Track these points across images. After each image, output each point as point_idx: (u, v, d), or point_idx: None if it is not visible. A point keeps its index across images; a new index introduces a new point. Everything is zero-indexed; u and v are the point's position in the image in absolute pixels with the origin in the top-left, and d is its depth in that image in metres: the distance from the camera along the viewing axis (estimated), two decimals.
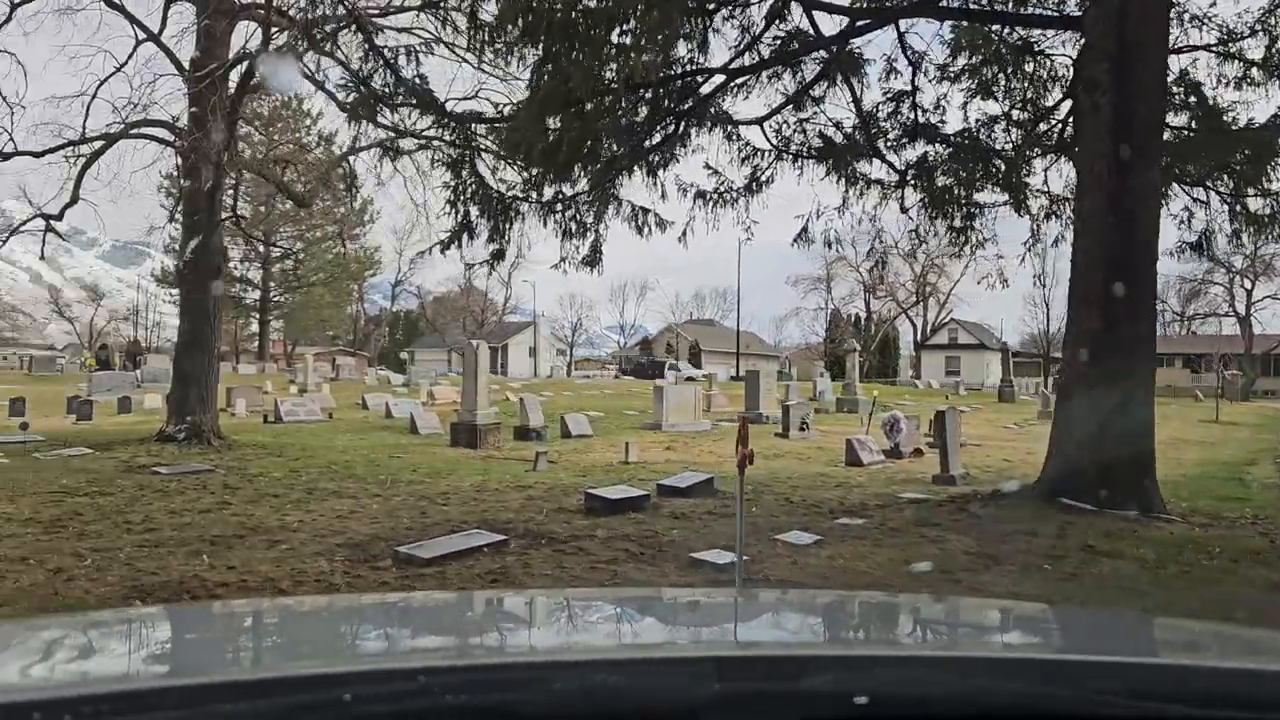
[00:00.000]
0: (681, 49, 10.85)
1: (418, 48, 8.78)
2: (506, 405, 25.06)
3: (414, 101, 8.81)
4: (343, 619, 1.88)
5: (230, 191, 20.57)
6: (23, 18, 16.26)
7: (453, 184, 9.59)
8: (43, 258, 18.44)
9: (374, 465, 14.69)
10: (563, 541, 8.85)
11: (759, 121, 12.73)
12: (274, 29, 15.07)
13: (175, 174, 56.39)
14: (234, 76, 15.97)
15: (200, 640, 1.66)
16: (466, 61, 13.36)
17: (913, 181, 13.33)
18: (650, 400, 34.67)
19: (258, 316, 61.97)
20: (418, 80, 8.75)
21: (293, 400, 23.47)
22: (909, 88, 12.69)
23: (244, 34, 17.14)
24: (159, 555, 8.16)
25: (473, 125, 9.37)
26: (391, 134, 17.36)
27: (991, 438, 22.77)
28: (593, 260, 11.52)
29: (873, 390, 34.34)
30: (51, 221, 17.49)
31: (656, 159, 10.64)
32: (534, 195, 11.02)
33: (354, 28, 10.02)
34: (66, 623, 1.95)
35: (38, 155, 16.06)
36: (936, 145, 13.30)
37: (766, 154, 12.93)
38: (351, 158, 18.85)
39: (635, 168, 10.88)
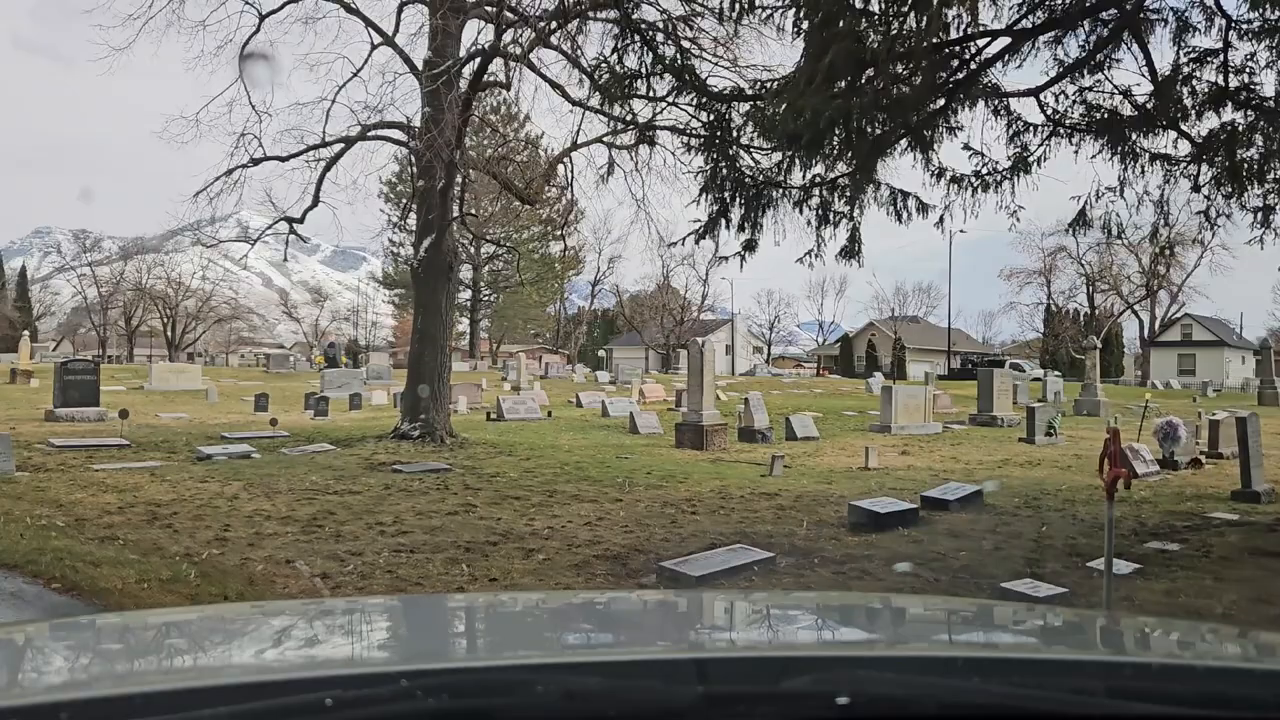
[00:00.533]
0: (952, 13, 9.71)
1: (674, 21, 8.14)
2: (720, 404, 24.37)
3: (672, 79, 8.15)
4: (323, 622, 1.85)
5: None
6: (268, 26, 16.82)
7: (708, 169, 8.89)
8: (285, 260, 19.18)
9: (604, 466, 14.27)
10: (837, 562, 7.98)
11: (1034, 93, 11.37)
12: (504, 25, 14.87)
13: (395, 179, 59.24)
14: (465, 74, 15.94)
15: (179, 645, 1.64)
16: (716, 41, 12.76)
17: (1210, 155, 11.60)
18: (865, 400, 33.37)
19: (468, 315, 64.12)
20: (678, 56, 8.10)
21: (513, 398, 23.66)
22: (1218, 45, 11.00)
23: (474, 31, 17.18)
24: (417, 562, 7.86)
25: (731, 104, 8.62)
26: (619, 122, 17.00)
27: (1272, 447, 20.16)
28: (851, 250, 10.55)
29: (1144, 394, 31.49)
30: (294, 225, 18.11)
31: (929, 134, 9.56)
32: (786, 180, 10.18)
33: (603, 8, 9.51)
34: (44, 627, 1.97)
35: (284, 160, 16.63)
36: (1247, 111, 11.51)
37: (1039, 129, 11.56)
38: (570, 155, 18.65)
39: (902, 147, 9.83)
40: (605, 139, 19.07)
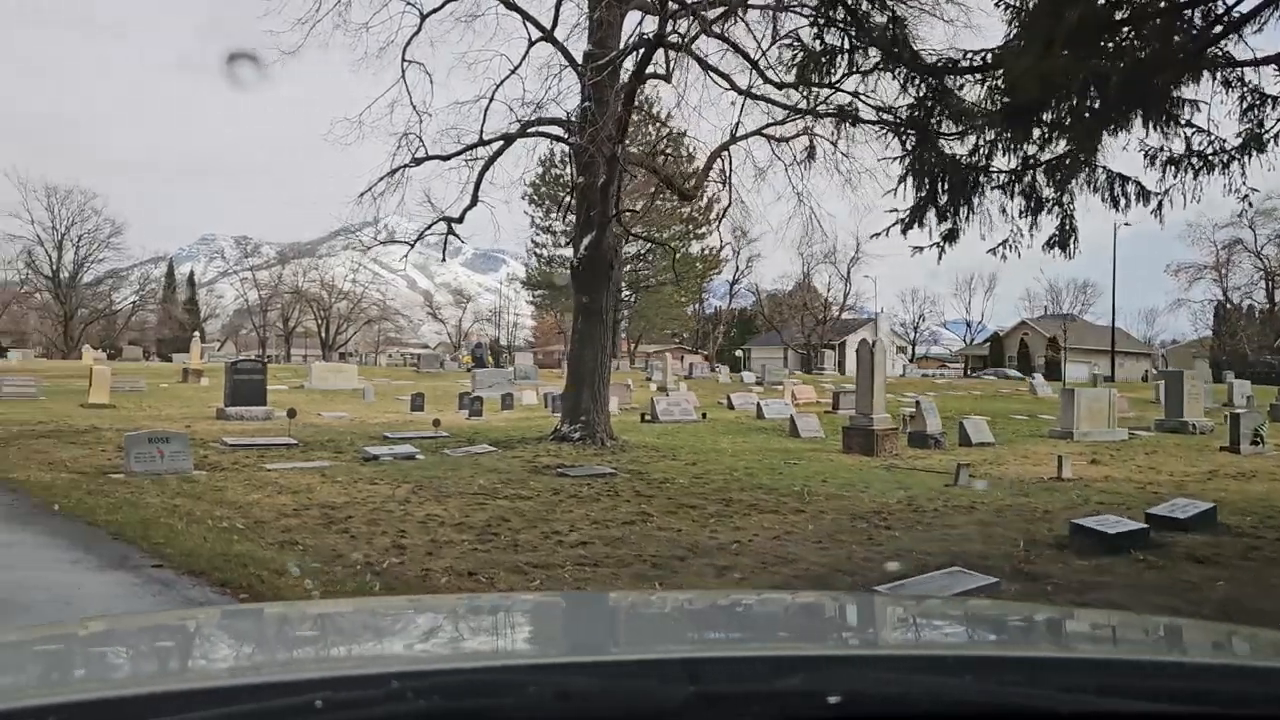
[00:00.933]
0: None
1: None
2: None
3: (879, 52, 7.39)
4: (313, 624, 1.85)
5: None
6: (429, 26, 16.77)
7: (914, 151, 8.08)
8: (444, 259, 19.12)
9: (775, 473, 13.55)
10: (1074, 590, 7.05)
11: (1276, 59, 10.06)
12: (669, 14, 14.32)
13: (539, 181, 59.83)
14: (627, 66, 15.48)
15: (168, 648, 1.63)
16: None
17: None
18: (1030, 403, 31.53)
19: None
20: (889, 26, 7.31)
21: (665, 400, 23.15)
22: None
23: (634, 23, 16.72)
24: (604, 577, 7.34)
25: (944, 77, 7.78)
26: (792, 110, 16.24)
27: None
28: (1062, 240, 9.54)
29: None
30: (452, 224, 18.04)
31: (1165, 106, 8.49)
32: (988, 164, 9.25)
33: None
34: (36, 631, 1.94)
35: (445, 159, 16.54)
36: None
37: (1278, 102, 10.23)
38: (729, 148, 17.99)
39: (1128, 124, 8.77)
40: (765, 131, 18.41)
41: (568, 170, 59.81)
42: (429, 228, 17.92)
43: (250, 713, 1.03)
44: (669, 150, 19.34)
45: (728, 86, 15.75)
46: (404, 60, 16.85)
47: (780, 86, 16.31)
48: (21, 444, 14.55)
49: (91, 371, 23.55)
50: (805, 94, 13.22)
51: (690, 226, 50.28)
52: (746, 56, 15.45)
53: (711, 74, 16.51)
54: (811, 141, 17.85)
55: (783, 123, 18.04)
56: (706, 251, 57.38)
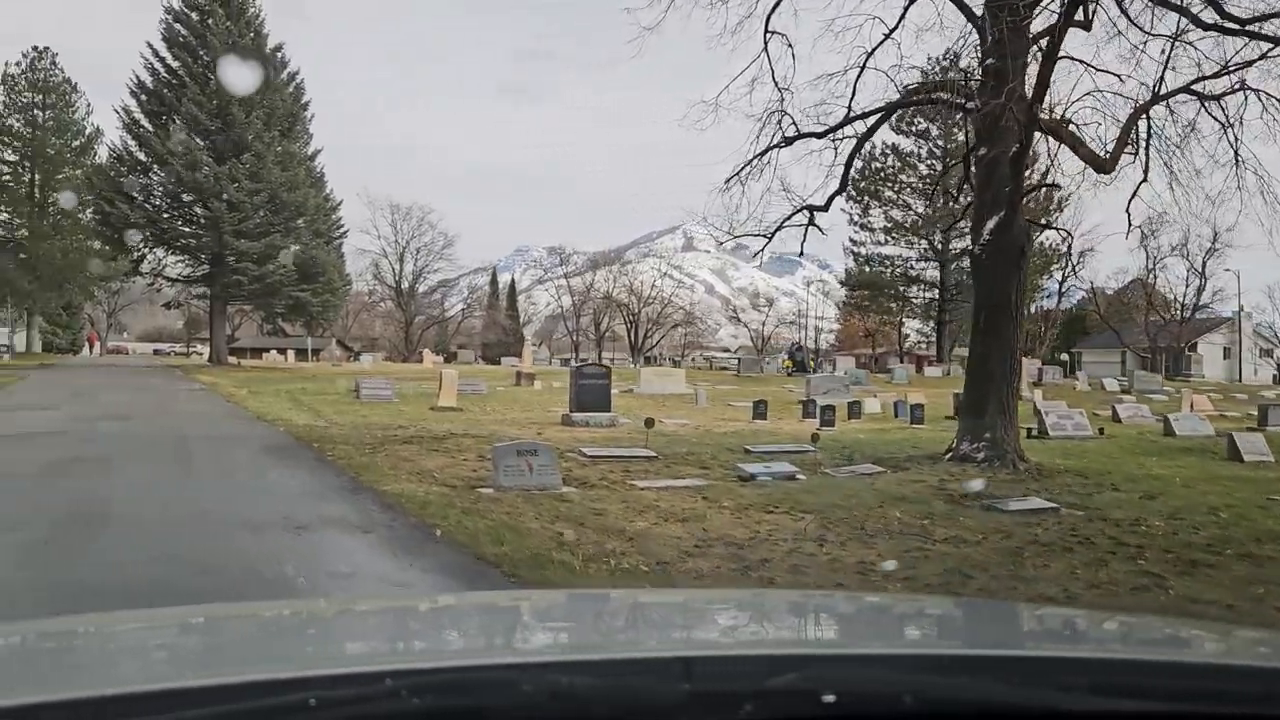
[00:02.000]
0: None
1: None
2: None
3: None
4: (310, 622, 1.86)
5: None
6: None
7: None
8: (800, 254, 17.13)
9: (1268, 513, 10.39)
10: None
11: None
12: None
13: (858, 175, 56.93)
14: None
15: (164, 645, 1.62)
16: None
17: None
18: None
19: (934, 317, 59.98)
20: None
21: (1057, 412, 19.92)
22: None
23: None
24: None
25: None
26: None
27: None
28: None
29: None
30: (814, 213, 16.08)
31: None
32: None
33: None
34: (32, 627, 1.90)
35: (819, 136, 14.57)
36: None
37: None
38: (1148, 110, 14.72)
39: None
40: (1194, 86, 14.99)
41: (890, 159, 56.39)
42: (788, 218, 16.03)
43: (244, 710, 1.01)
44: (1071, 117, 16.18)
45: (1155, 34, 12.63)
46: (766, 31, 15.07)
47: (1244, 24, 12.99)
48: (389, 450, 14.19)
49: (441, 375, 23.92)
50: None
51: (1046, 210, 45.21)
52: None
53: (1131, 20, 13.48)
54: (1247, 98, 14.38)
55: (1216, 75, 14.60)
56: (1048, 244, 51.77)
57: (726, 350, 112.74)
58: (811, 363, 47.48)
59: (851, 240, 60.48)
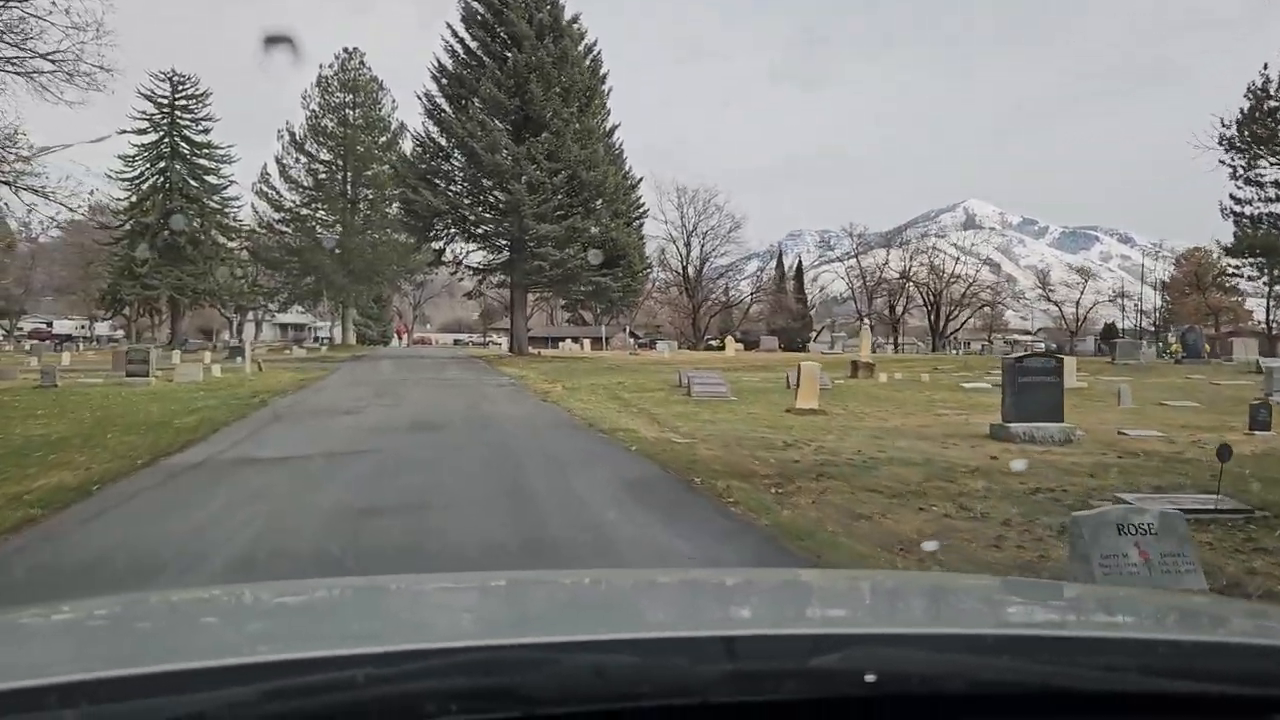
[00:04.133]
0: None
1: None
2: None
3: None
4: (352, 600, 1.84)
5: None
6: None
7: None
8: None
9: None
10: None
11: None
12: None
13: (1242, 114, 46.63)
14: None
15: (204, 624, 1.64)
16: None
17: None
18: None
19: None
20: None
21: None
22: None
23: None
24: None
25: None
26: None
27: None
28: None
29: None
30: None
31: None
32: None
33: None
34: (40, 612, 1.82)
35: None
36: None
37: None
38: None
39: None
40: None
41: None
42: None
43: (289, 688, 1.02)
44: None
45: None
46: None
47: None
48: (803, 490, 9.38)
49: (800, 369, 19.05)
50: None
51: None
52: None
53: None
54: None
55: None
56: None
57: (1027, 333, 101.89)
58: (1207, 347, 38.74)
59: (1233, 199, 49.76)
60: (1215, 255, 60.43)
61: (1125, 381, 27.29)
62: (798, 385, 18.94)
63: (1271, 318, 67.28)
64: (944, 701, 1.13)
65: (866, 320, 40.32)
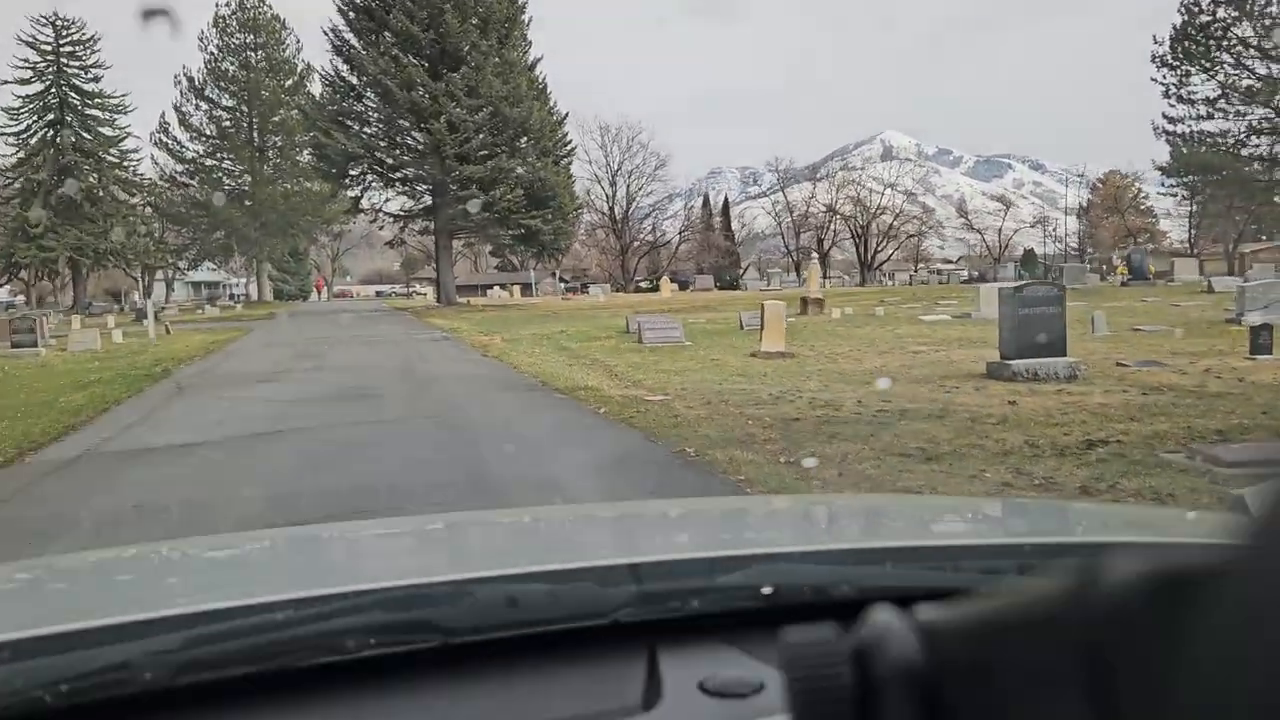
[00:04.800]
0: None
1: None
2: None
3: None
4: (283, 550, 1.85)
5: None
6: None
7: None
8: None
9: None
10: None
11: None
12: None
13: (1182, 28, 46.02)
14: None
15: (123, 581, 1.59)
16: None
17: None
18: None
19: None
20: None
21: None
22: None
23: None
24: None
25: None
26: None
27: None
28: None
29: None
30: None
31: None
32: None
33: None
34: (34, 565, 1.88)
35: None
36: None
37: None
38: None
39: None
40: None
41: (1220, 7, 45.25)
42: None
43: (208, 634, 1.03)
44: None
45: None
46: None
47: None
48: (816, 453, 7.81)
49: (763, 309, 17.52)
50: None
51: None
52: None
53: None
54: None
55: None
56: None
57: (949, 262, 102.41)
58: (1152, 269, 38.33)
59: (1165, 118, 49.29)
60: (1143, 175, 60.48)
61: (1082, 306, 26.41)
62: (763, 327, 17.40)
63: (1192, 236, 67.99)
64: (837, 609, 1.07)
65: (814, 255, 39.13)
